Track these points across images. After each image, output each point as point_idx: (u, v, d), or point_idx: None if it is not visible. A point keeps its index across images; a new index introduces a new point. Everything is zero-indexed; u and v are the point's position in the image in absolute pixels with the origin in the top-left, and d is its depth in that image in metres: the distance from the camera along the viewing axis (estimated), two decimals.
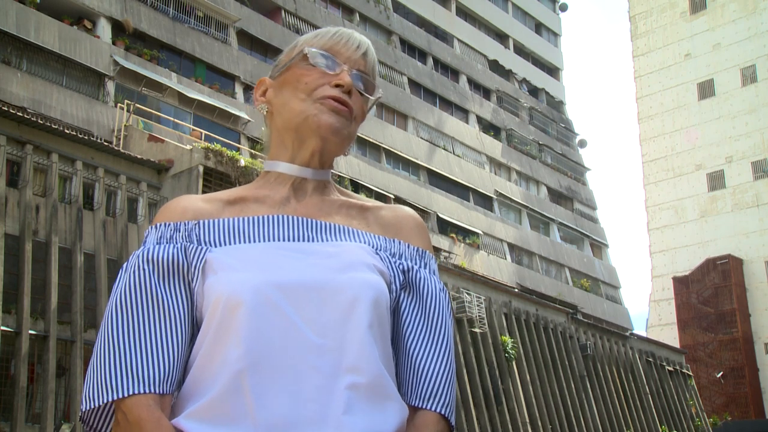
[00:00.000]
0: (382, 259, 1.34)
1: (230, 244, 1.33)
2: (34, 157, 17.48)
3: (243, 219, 1.36)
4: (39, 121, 18.02)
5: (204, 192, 18.93)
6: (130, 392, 1.20)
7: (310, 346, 1.21)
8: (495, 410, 24.83)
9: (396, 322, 1.35)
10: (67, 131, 18.47)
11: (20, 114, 17.74)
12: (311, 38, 1.42)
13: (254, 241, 1.33)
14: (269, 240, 1.33)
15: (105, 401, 1.21)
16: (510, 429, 25.12)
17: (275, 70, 1.45)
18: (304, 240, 1.34)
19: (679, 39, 55.65)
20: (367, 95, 1.42)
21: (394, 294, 1.34)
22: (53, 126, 18.29)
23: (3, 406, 15.75)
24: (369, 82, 1.42)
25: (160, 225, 1.35)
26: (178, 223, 1.34)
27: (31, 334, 16.25)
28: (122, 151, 19.59)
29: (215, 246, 1.32)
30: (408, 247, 1.40)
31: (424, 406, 1.28)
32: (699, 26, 54.92)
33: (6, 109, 17.49)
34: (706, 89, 53.70)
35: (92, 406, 1.22)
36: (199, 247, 1.31)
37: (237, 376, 1.18)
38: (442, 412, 1.29)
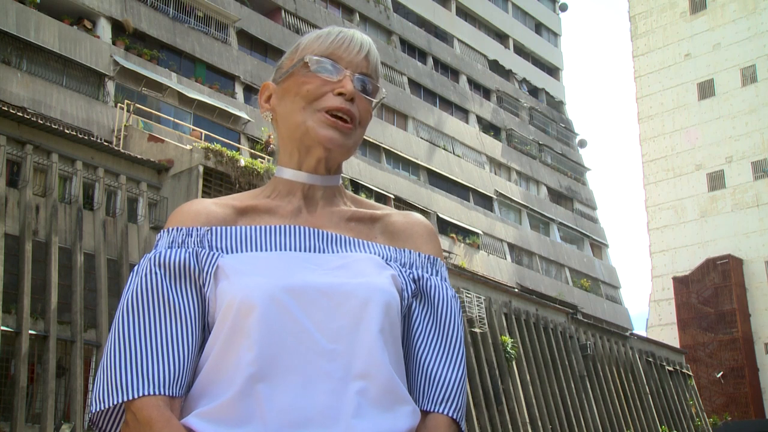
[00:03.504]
0: (392, 269, 1.35)
1: (242, 251, 1.34)
2: (34, 157, 17.48)
3: (255, 228, 1.37)
4: (39, 121, 18.02)
5: (204, 192, 18.94)
6: (141, 393, 1.20)
7: (321, 350, 1.22)
8: (495, 410, 24.83)
9: (407, 328, 1.35)
10: (67, 131, 18.47)
11: (20, 114, 17.74)
12: (312, 42, 1.41)
13: (266, 250, 1.34)
14: (281, 249, 1.34)
15: (115, 402, 1.21)
16: (510, 429, 25.12)
17: (278, 75, 1.45)
18: (315, 251, 1.35)
19: (679, 39, 55.66)
20: (370, 98, 1.42)
21: (406, 301, 1.35)
22: (53, 126, 18.30)
23: (3, 406, 15.75)
24: (372, 84, 1.42)
25: (173, 229, 1.35)
26: (191, 228, 1.35)
27: (31, 334, 16.25)
28: (122, 151, 19.60)
29: (227, 253, 1.33)
30: (419, 255, 1.41)
31: (435, 410, 1.29)
32: (699, 26, 54.92)
33: (6, 109, 17.49)
34: (706, 89, 53.70)
35: (102, 408, 1.22)
36: (212, 253, 1.32)
37: (248, 380, 1.19)
38: (454, 416, 1.29)
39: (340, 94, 1.36)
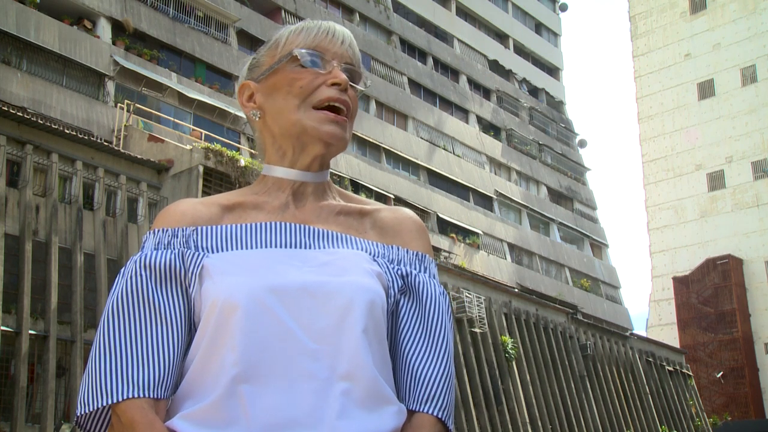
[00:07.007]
0: (379, 265, 1.34)
1: (227, 250, 1.33)
2: (34, 157, 17.49)
3: (241, 226, 1.36)
4: (39, 121, 18.02)
5: (204, 192, 18.94)
6: (125, 396, 1.20)
7: (305, 351, 1.21)
8: (495, 410, 24.83)
9: (394, 325, 1.34)
10: (67, 131, 18.47)
11: (20, 114, 17.74)
12: (295, 36, 1.40)
13: (251, 248, 1.33)
14: (266, 246, 1.33)
15: (100, 405, 1.21)
16: (510, 429, 25.12)
17: (257, 72, 1.44)
18: (300, 247, 1.34)
19: (679, 39, 55.65)
20: (359, 87, 1.42)
21: (392, 298, 1.33)
22: (53, 126, 18.30)
23: (3, 406, 15.75)
24: (356, 73, 1.42)
25: (158, 231, 1.35)
26: (176, 229, 1.34)
27: (31, 334, 16.25)
28: (122, 151, 19.60)
29: (213, 252, 1.32)
30: (407, 252, 1.39)
31: (420, 409, 1.28)
32: (699, 26, 54.91)
33: (6, 109, 17.49)
34: (706, 89, 53.70)
35: (87, 411, 1.23)
36: (197, 253, 1.31)
37: (232, 381, 1.19)
38: (439, 416, 1.28)
39: (334, 84, 1.37)
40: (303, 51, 1.38)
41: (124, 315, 1.26)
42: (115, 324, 1.26)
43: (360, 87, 1.42)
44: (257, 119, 1.43)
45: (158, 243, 1.33)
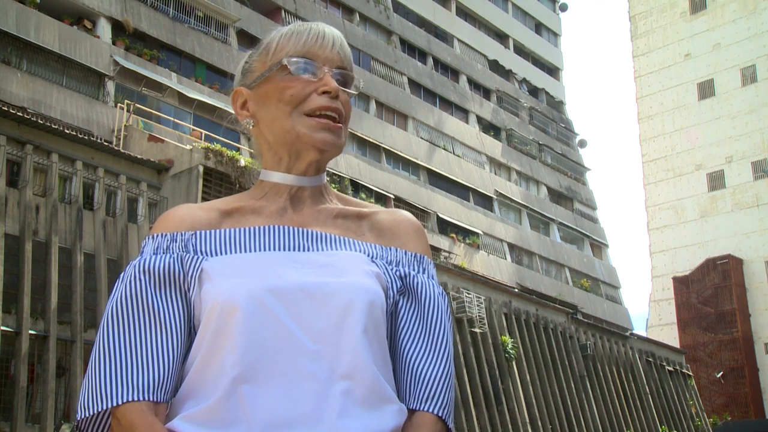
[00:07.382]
0: (378, 266, 1.35)
1: (227, 254, 1.34)
2: (34, 157, 17.49)
3: (239, 230, 1.37)
4: (39, 121, 18.02)
5: (204, 191, 18.94)
6: (124, 400, 1.21)
7: (305, 351, 1.22)
8: (495, 410, 24.83)
9: (394, 326, 1.35)
10: (67, 131, 18.47)
11: (20, 114, 17.74)
12: (285, 42, 1.39)
13: (250, 251, 1.34)
14: (265, 249, 1.34)
15: (100, 409, 1.22)
16: (510, 429, 25.12)
17: (249, 78, 1.43)
18: (299, 249, 1.35)
19: (679, 39, 55.66)
20: (350, 91, 1.42)
21: (391, 299, 1.34)
22: (53, 126, 18.30)
23: (3, 406, 15.76)
24: (349, 76, 1.41)
25: (157, 235, 1.36)
26: (175, 233, 1.35)
27: (31, 334, 16.26)
28: (122, 151, 19.60)
29: (212, 256, 1.33)
30: (405, 253, 1.40)
31: (421, 408, 1.29)
32: (699, 26, 54.92)
33: (6, 109, 17.49)
34: (706, 89, 53.70)
35: (87, 414, 1.24)
36: (196, 257, 1.32)
37: (232, 382, 1.20)
38: (439, 414, 1.29)
39: (324, 92, 1.36)
40: (293, 59, 1.37)
41: (124, 319, 1.27)
42: (115, 328, 1.27)
43: (352, 91, 1.42)
44: (251, 127, 1.44)
45: (157, 247, 1.34)
